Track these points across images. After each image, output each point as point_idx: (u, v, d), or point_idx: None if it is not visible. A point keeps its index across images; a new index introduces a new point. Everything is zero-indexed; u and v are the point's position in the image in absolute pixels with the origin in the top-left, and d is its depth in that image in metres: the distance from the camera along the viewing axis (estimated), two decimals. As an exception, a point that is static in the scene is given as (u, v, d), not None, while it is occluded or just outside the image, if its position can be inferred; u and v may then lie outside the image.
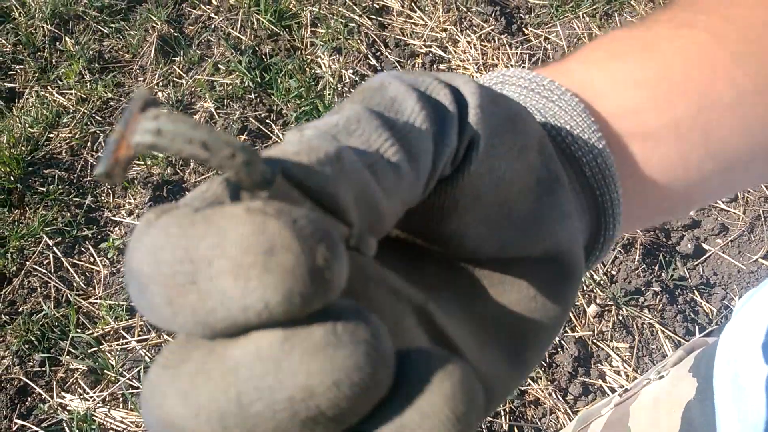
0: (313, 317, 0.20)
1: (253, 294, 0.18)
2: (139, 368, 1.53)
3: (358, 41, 2.02)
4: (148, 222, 0.20)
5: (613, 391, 1.45)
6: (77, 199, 1.84)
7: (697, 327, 1.51)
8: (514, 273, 0.33)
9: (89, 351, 1.58)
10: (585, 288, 1.66)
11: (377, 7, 2.13)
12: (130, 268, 0.20)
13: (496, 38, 2.00)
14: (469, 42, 1.98)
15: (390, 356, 0.21)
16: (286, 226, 0.19)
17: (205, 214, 0.19)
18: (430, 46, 2.01)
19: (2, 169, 1.88)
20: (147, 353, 1.56)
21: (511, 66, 1.91)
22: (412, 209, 0.29)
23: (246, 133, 1.88)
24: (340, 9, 2.09)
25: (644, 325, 1.55)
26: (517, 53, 1.95)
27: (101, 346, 1.59)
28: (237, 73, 1.99)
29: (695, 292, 1.58)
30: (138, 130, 0.20)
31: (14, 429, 1.51)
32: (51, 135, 1.98)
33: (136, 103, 0.21)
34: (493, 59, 1.95)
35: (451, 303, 0.32)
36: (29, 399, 1.56)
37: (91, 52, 2.14)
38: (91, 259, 1.75)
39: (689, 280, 1.61)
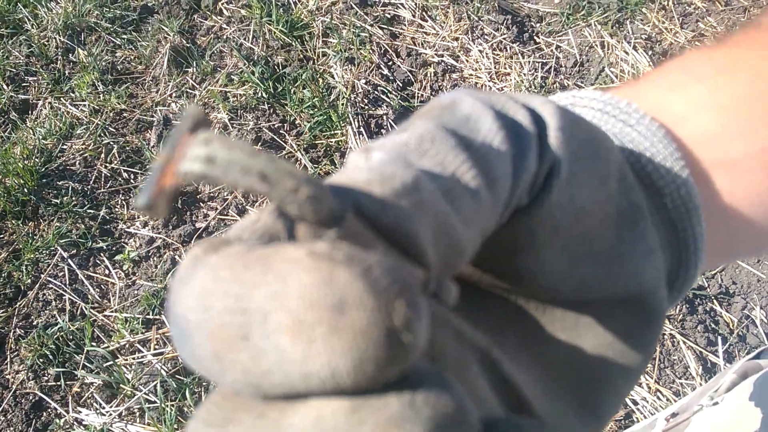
0: (387, 384, 0.17)
1: (317, 359, 0.16)
2: (155, 382, 1.52)
3: (370, 51, 2.01)
4: (195, 259, 0.18)
5: (635, 403, 1.44)
6: (91, 211, 1.84)
7: (719, 338, 1.50)
8: (591, 315, 0.29)
9: (105, 365, 1.57)
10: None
11: (388, 16, 2.13)
12: (174, 313, 0.17)
13: (508, 47, 2.00)
14: (481, 51, 1.98)
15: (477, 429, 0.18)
16: (358, 277, 0.16)
17: (262, 255, 0.17)
18: (442, 56, 2.00)
19: (16, 181, 1.88)
20: (163, 367, 1.55)
21: (524, 74, 1.91)
22: (482, 241, 0.25)
23: (260, 143, 1.88)
24: (351, 19, 2.09)
25: (665, 336, 1.54)
26: (529, 62, 1.95)
27: (117, 360, 1.58)
28: (250, 83, 1.99)
29: (714, 301, 1.57)
30: (187, 156, 0.18)
31: (31, 443, 1.51)
32: (64, 147, 1.98)
33: (186, 123, 0.18)
34: (505, 68, 1.95)
35: (517, 348, 0.28)
36: (45, 414, 1.55)
37: (103, 64, 2.14)
38: (106, 272, 1.74)
39: (708, 290, 1.60)
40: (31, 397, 1.57)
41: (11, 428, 1.52)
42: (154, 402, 1.50)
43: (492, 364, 0.26)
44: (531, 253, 0.26)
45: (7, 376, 1.61)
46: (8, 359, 1.63)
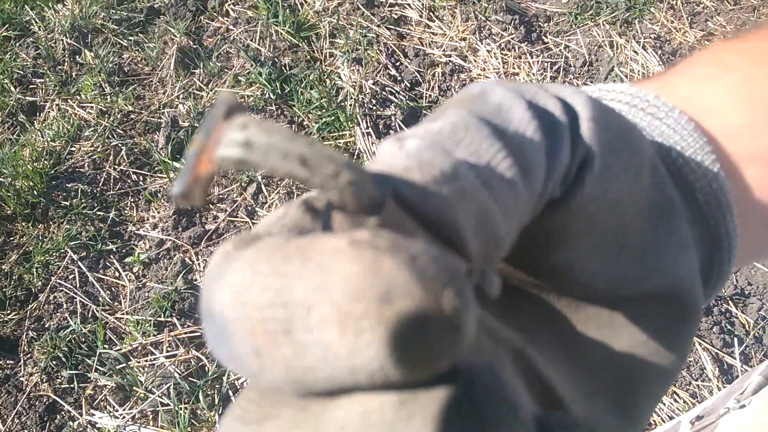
0: (436, 377, 0.16)
1: (365, 352, 0.15)
2: (168, 385, 1.53)
3: (378, 51, 2.01)
4: (226, 255, 0.17)
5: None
6: (101, 213, 1.84)
7: (735, 339, 1.50)
8: (625, 313, 0.29)
9: (117, 367, 1.58)
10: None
11: (395, 17, 2.13)
12: (209, 310, 0.17)
13: (516, 47, 2.00)
14: (489, 51, 1.98)
15: (531, 428, 0.17)
16: (404, 266, 0.15)
17: (300, 246, 0.16)
18: (450, 56, 2.00)
19: (25, 184, 1.89)
20: (176, 369, 1.55)
21: (533, 74, 1.91)
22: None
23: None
24: (358, 20, 2.09)
25: (675, 336, 1.54)
26: (538, 61, 1.95)
27: (129, 362, 1.58)
28: (257, 84, 1.99)
29: (730, 302, 1.58)
30: (223, 141, 0.17)
31: (45, 446, 1.51)
32: (73, 149, 1.98)
33: (220, 108, 0.18)
34: (514, 68, 1.95)
35: (551, 347, 0.28)
36: (58, 416, 1.56)
37: (110, 65, 2.14)
38: (117, 274, 1.75)
39: (723, 291, 1.60)
40: (45, 400, 1.57)
41: (26, 431, 1.53)
42: (168, 404, 1.50)
43: (527, 364, 0.25)
44: (565, 248, 0.26)
45: (21, 379, 1.61)
46: (22, 362, 1.64)
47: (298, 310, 0.15)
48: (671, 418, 1.39)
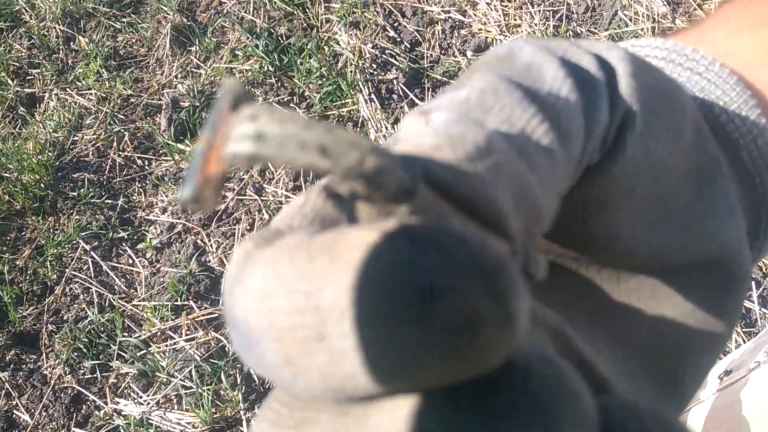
0: (492, 373, 0.14)
1: (410, 355, 0.13)
2: (190, 368, 1.53)
3: (375, 13, 1.96)
4: (247, 255, 0.16)
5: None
6: (109, 201, 1.83)
7: (753, 282, 1.47)
8: (670, 284, 0.27)
9: (138, 354, 1.58)
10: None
11: (391, -25, 2.07)
12: (233, 318, 0.15)
13: (516, -3, 1.94)
14: (488, 3, 1.92)
15: (596, 422, 0.15)
16: (444, 256, 0.13)
17: (325, 243, 0.15)
18: (449, 12, 1.95)
19: (32, 177, 1.88)
20: (196, 352, 1.56)
21: (535, 25, 1.85)
22: None
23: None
24: (353, -19, 2.04)
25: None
26: (539, 11, 1.89)
27: (150, 349, 1.59)
28: (255, 57, 1.95)
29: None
30: (232, 136, 0.15)
31: (74, 437, 1.53)
32: (76, 138, 1.96)
33: (225, 100, 0.16)
34: (515, 19, 1.89)
35: (590, 323, 0.26)
36: (84, 407, 1.57)
37: (106, 50, 2.11)
38: (130, 261, 1.74)
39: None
40: (69, 391, 1.58)
41: (53, 423, 1.55)
42: (191, 387, 1.51)
43: (567, 344, 0.23)
44: (605, 216, 0.24)
45: (44, 372, 1.63)
46: (44, 355, 1.65)
47: (331, 314, 0.14)
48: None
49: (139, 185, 1.86)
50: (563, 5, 1.89)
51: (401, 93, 1.81)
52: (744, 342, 1.37)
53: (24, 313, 1.71)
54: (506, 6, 1.92)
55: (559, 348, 0.23)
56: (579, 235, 0.25)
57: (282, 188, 1.74)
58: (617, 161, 0.22)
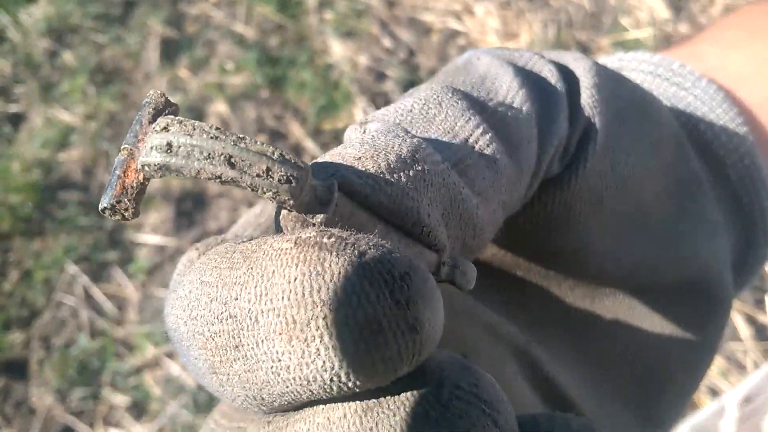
0: (402, 380, 0.15)
1: (316, 362, 0.14)
2: (185, 396, 1.48)
3: (369, 23, 1.92)
4: (189, 263, 0.16)
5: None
6: (97, 220, 1.78)
7: (767, 296, 1.44)
8: (647, 304, 0.26)
9: (130, 382, 1.53)
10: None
11: (384, -17, 2.02)
12: (167, 326, 0.16)
13: (513, 4, 1.90)
14: (486, 12, 1.88)
15: (514, 429, 0.15)
16: (351, 264, 0.14)
17: (245, 250, 0.15)
18: (445, 21, 1.91)
19: (18, 197, 1.82)
20: (191, 379, 1.50)
21: (535, 33, 1.81)
22: (511, 217, 0.22)
23: (263, 133, 1.81)
24: (345, -9, 2.00)
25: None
26: (539, 18, 1.85)
27: (142, 376, 1.53)
28: (246, 70, 1.90)
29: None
30: (145, 147, 0.16)
31: (65, 470, 1.47)
32: (62, 156, 1.91)
33: (146, 110, 0.16)
34: (514, 28, 1.85)
35: (560, 342, 0.25)
36: (76, 438, 1.51)
37: (92, 64, 2.06)
38: (121, 284, 1.69)
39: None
40: (59, 422, 1.53)
41: (43, 456, 1.49)
42: (186, 417, 1.45)
43: (531, 363, 0.23)
44: (570, 231, 0.23)
45: (33, 402, 1.57)
46: (33, 383, 1.59)
47: (245, 322, 0.14)
48: (709, 387, 1.33)
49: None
50: (563, 12, 1.85)
51: (398, 105, 1.77)
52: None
53: (12, 340, 1.65)
54: (504, 14, 1.88)
55: (523, 366, 0.23)
56: (543, 249, 0.24)
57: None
58: (578, 173, 0.22)
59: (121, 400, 1.52)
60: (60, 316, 1.67)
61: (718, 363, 1.37)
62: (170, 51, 2.02)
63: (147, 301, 1.64)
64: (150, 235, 1.75)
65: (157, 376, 1.53)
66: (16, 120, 2.03)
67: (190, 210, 1.75)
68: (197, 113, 1.88)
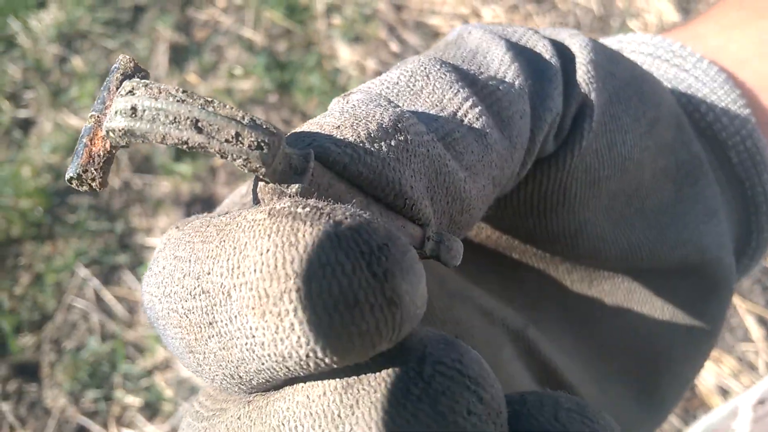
0: (384, 357, 0.14)
1: (289, 338, 0.13)
2: (195, 396, 1.48)
3: (376, 28, 1.93)
4: (168, 239, 0.15)
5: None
6: (108, 224, 1.79)
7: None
8: (646, 287, 0.25)
9: (142, 383, 1.53)
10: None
11: (391, -12, 2.04)
12: (143, 305, 0.16)
13: (521, 8, 1.91)
14: (494, 15, 1.89)
15: (502, 409, 0.14)
16: (325, 234, 0.13)
17: (219, 224, 0.14)
18: (453, 24, 1.92)
19: (29, 202, 1.83)
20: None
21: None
22: (505, 197, 0.22)
23: (273, 137, 1.81)
24: (353, -4, 2.01)
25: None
26: (546, 22, 1.86)
27: (154, 378, 1.54)
28: (255, 75, 1.91)
29: (768, 257, 1.51)
30: (110, 112, 0.15)
31: (77, 472, 1.48)
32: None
33: (114, 75, 0.16)
34: (520, 31, 1.86)
35: (558, 326, 0.24)
36: (88, 440, 1.52)
37: (101, 69, 2.07)
38: (131, 286, 1.70)
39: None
40: (73, 424, 1.53)
41: (56, 458, 1.49)
42: (198, 418, 1.46)
43: (528, 346, 0.22)
44: (565, 211, 0.22)
45: (47, 403, 1.57)
46: (45, 386, 1.60)
47: (217, 297, 0.13)
48: (721, 388, 1.33)
49: (138, 208, 1.81)
50: (571, 15, 1.86)
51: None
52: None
53: (24, 343, 1.66)
54: (512, 17, 1.89)
55: (519, 349, 0.22)
56: (539, 231, 0.23)
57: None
58: (574, 152, 0.21)
59: (133, 401, 1.53)
60: (71, 320, 1.67)
61: (729, 363, 1.37)
62: (179, 56, 2.04)
63: (158, 303, 1.65)
64: (160, 238, 1.75)
65: (168, 378, 1.54)
66: (26, 125, 2.04)
67: (199, 214, 1.75)
68: (206, 117, 1.89)
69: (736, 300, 1.45)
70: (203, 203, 1.78)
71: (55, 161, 1.91)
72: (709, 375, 1.37)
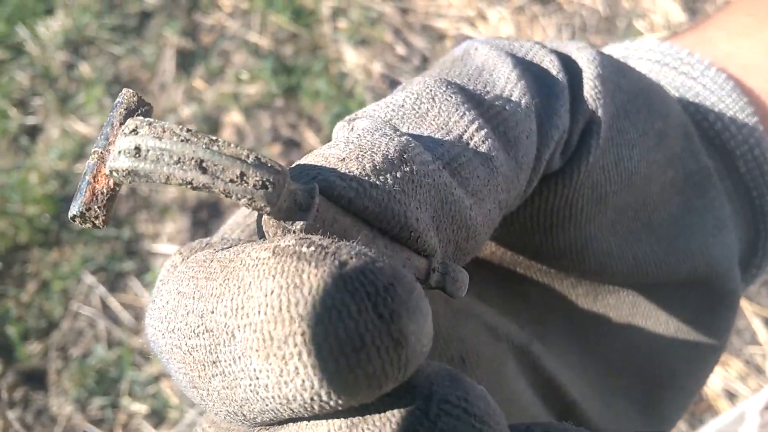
0: (390, 396, 0.14)
1: (294, 381, 0.13)
2: (202, 404, 1.48)
3: (382, 31, 1.92)
4: (173, 267, 0.15)
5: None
6: (114, 231, 1.79)
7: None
8: (652, 301, 0.25)
9: (149, 390, 1.53)
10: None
11: (397, -9, 2.03)
12: (147, 337, 0.16)
13: (527, 9, 1.89)
14: (500, 18, 1.88)
15: None
16: (330, 276, 0.13)
17: (223, 259, 0.14)
18: (459, 27, 1.90)
19: (36, 209, 1.83)
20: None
21: (548, 37, 1.80)
22: (511, 214, 0.22)
23: (281, 141, 1.81)
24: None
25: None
26: (552, 22, 1.84)
27: (160, 385, 1.54)
28: (261, 80, 1.91)
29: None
30: (114, 151, 0.15)
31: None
32: (79, 167, 1.92)
33: (118, 110, 0.16)
34: (528, 33, 1.84)
35: (563, 340, 0.24)
36: (94, 447, 1.51)
37: (109, 75, 2.07)
38: (138, 293, 1.69)
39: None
40: (79, 431, 1.53)
41: (62, 465, 1.49)
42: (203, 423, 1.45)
43: (532, 362, 0.22)
44: (572, 227, 0.22)
45: (53, 411, 1.57)
46: (52, 393, 1.60)
47: (221, 337, 0.13)
48: (727, 391, 1.31)
49: (145, 214, 1.81)
50: (577, 16, 1.85)
51: (412, 112, 1.77)
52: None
53: (30, 350, 1.66)
54: (518, 19, 1.88)
55: (524, 365, 0.22)
56: (544, 248, 0.22)
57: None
58: (581, 168, 0.21)
59: (139, 408, 1.52)
60: (77, 327, 1.67)
61: (736, 367, 1.35)
62: (186, 61, 2.04)
63: (164, 310, 1.65)
64: (166, 245, 1.75)
65: (174, 385, 1.53)
66: (34, 132, 2.05)
67: (206, 220, 1.75)
68: (212, 123, 1.89)
69: (743, 303, 1.43)
70: (209, 209, 1.78)
71: (63, 168, 1.92)
72: (716, 378, 1.34)
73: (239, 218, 0.18)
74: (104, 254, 1.75)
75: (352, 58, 1.89)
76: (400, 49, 1.90)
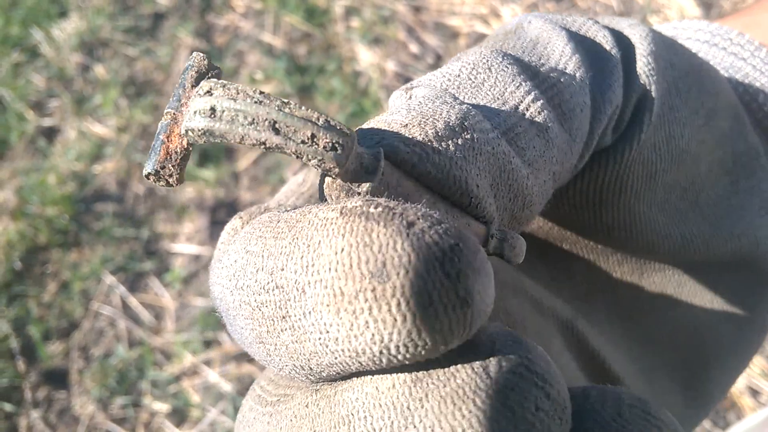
0: (453, 352, 0.14)
1: (364, 335, 0.13)
2: (223, 402, 1.49)
3: (396, 29, 1.93)
4: (233, 231, 0.16)
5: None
6: (133, 231, 1.80)
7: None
8: (697, 280, 0.25)
9: (170, 390, 1.54)
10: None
11: (409, -11, 2.03)
12: (213, 296, 0.16)
13: (541, 6, 1.89)
14: (513, 14, 1.88)
15: (567, 405, 0.14)
16: (399, 235, 0.13)
17: (290, 220, 0.15)
18: (472, 24, 1.91)
19: (55, 210, 1.85)
20: (228, 385, 1.51)
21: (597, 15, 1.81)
22: (560, 189, 0.22)
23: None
24: (371, -2, 2.00)
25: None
26: (566, 20, 1.85)
27: (181, 384, 1.55)
28: (275, 80, 1.92)
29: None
30: (188, 111, 0.15)
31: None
32: (97, 169, 1.94)
33: (189, 74, 0.16)
34: (541, 30, 1.85)
35: (607, 317, 0.24)
36: (118, 446, 1.53)
37: (124, 77, 2.09)
38: (158, 292, 1.71)
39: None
40: (102, 430, 1.54)
41: (86, 464, 1.51)
42: (225, 422, 1.46)
43: (577, 338, 0.23)
44: (621, 204, 0.22)
45: (76, 410, 1.59)
46: (74, 393, 1.61)
47: (291, 293, 0.14)
48: (751, 389, 1.31)
49: (163, 214, 1.82)
50: (590, 12, 1.85)
51: (427, 110, 1.77)
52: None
53: (52, 350, 1.67)
54: (530, 16, 1.88)
55: (568, 340, 0.22)
56: (593, 223, 0.23)
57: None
58: (632, 145, 0.21)
59: (161, 407, 1.54)
60: (98, 327, 1.69)
61: (759, 363, 1.35)
62: (200, 62, 2.04)
63: (184, 309, 1.66)
64: (185, 244, 1.76)
65: (196, 384, 1.55)
66: (51, 134, 2.06)
67: (225, 219, 1.76)
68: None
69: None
70: (227, 208, 1.79)
71: (80, 169, 1.93)
72: (742, 379, 1.35)
73: (293, 186, 0.18)
74: (123, 254, 1.76)
75: (365, 56, 1.90)
76: (414, 48, 1.90)
